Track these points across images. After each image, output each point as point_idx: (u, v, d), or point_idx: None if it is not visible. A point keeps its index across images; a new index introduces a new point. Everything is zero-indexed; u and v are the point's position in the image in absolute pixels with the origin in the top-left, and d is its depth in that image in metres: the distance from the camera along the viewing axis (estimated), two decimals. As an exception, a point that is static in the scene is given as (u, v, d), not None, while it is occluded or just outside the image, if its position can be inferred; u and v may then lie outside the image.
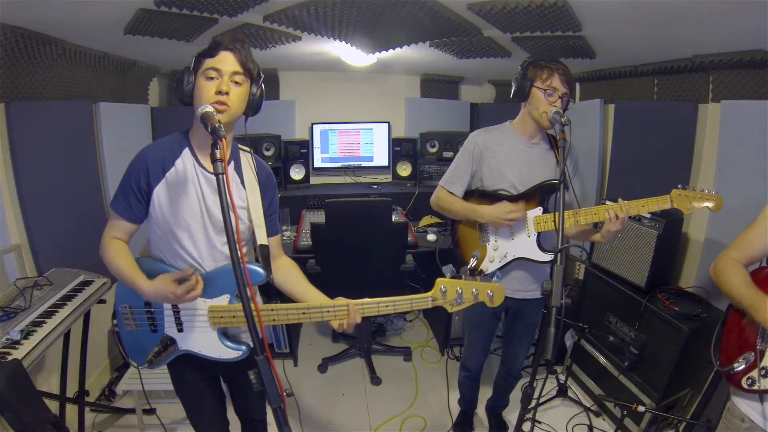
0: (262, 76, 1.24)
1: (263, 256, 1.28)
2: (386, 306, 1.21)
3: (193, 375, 1.41)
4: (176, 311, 1.27)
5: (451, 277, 1.22)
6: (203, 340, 1.28)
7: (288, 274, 1.39)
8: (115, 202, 1.24)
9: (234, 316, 1.24)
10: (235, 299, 1.26)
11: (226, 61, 1.14)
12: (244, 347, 1.29)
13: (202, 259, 1.27)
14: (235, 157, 1.30)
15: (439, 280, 1.21)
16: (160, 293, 1.17)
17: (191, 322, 1.27)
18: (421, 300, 1.21)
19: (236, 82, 1.16)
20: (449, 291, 1.20)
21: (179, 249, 1.26)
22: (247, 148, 1.33)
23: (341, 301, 1.21)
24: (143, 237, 1.37)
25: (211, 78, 1.14)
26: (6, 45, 1.71)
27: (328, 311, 1.20)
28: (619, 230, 1.52)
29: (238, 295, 1.24)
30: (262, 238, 1.28)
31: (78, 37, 2.04)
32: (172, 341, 1.29)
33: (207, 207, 1.25)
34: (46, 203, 2.02)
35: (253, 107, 1.24)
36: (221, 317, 1.24)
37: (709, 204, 1.47)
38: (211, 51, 1.15)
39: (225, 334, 1.30)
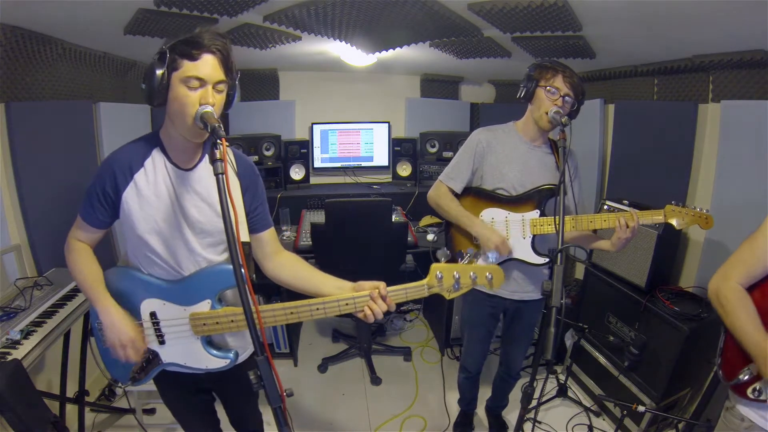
0: (238, 74, 1.12)
1: (245, 254, 1.23)
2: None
3: (180, 388, 1.35)
4: (155, 322, 1.19)
5: (446, 262, 1.15)
6: (187, 351, 1.20)
7: (293, 269, 1.27)
8: (81, 206, 1.18)
9: (217, 323, 1.15)
10: (218, 304, 1.17)
11: (209, 67, 1.02)
12: (231, 355, 1.22)
13: (179, 265, 1.18)
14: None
15: (434, 265, 1.12)
16: (116, 329, 1.12)
17: (172, 333, 1.19)
18: (417, 288, 1.12)
19: (219, 91, 1.06)
20: (446, 277, 1.11)
21: (154, 256, 1.17)
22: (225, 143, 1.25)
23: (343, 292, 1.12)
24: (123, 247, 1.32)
25: (194, 88, 1.02)
26: (6, 45, 1.71)
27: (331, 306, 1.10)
28: (630, 239, 1.53)
29: (220, 300, 1.18)
30: (242, 235, 1.16)
31: (78, 37, 2.04)
32: (155, 355, 1.22)
33: (181, 206, 1.15)
34: (46, 203, 2.02)
35: (227, 107, 1.13)
36: (204, 324, 1.15)
37: (700, 223, 1.50)
38: (192, 52, 1.00)
39: (210, 342, 1.21)
